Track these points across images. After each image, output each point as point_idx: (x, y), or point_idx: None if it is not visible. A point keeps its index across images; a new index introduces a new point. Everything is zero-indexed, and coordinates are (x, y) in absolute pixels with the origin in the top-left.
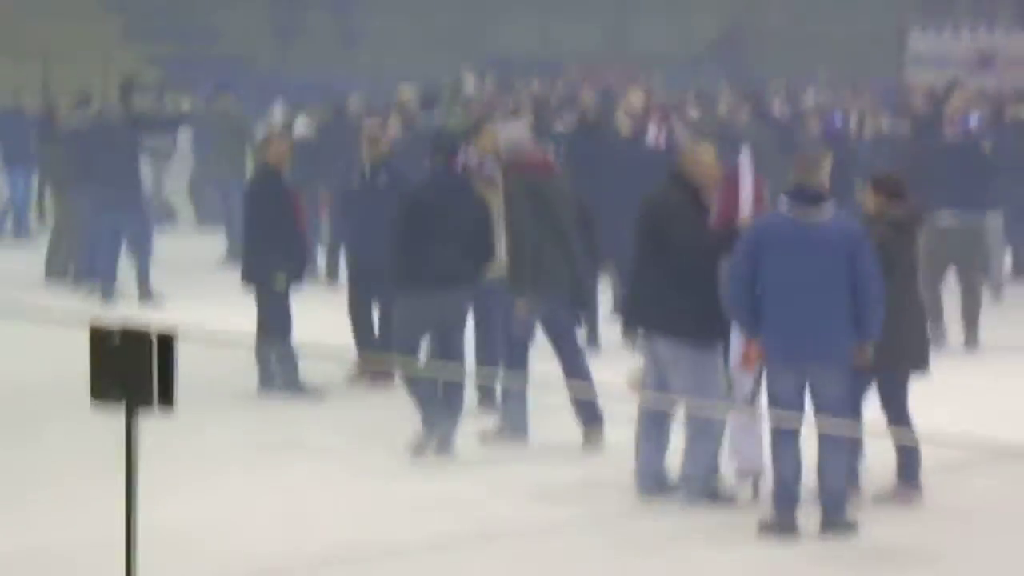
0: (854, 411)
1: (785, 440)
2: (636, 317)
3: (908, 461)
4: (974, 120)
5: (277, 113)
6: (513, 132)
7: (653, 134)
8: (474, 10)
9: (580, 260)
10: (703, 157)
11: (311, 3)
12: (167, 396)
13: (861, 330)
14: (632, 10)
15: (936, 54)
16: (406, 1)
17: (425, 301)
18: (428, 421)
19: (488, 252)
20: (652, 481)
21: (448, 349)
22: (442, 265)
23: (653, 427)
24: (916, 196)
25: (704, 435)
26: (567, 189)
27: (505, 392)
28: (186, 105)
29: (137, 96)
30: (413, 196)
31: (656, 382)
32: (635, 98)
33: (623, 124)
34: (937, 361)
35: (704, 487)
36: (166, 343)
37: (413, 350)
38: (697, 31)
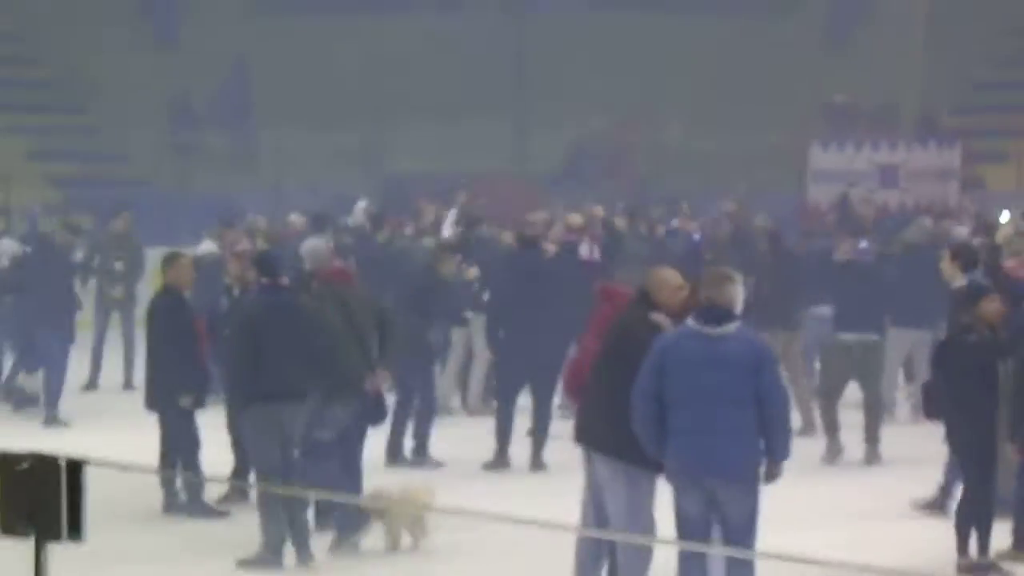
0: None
1: (692, 562)
2: (582, 435)
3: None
4: (864, 243)
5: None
6: (312, 246)
7: (586, 249)
8: (374, 124)
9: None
10: (673, 280)
11: (209, 122)
12: (76, 526)
13: (768, 447)
14: (529, 126)
15: (839, 170)
16: (305, 117)
17: (267, 416)
18: (269, 539)
19: (324, 365)
20: None
21: (288, 462)
22: (277, 380)
23: (590, 555)
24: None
25: (635, 559)
26: (366, 296)
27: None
28: (86, 224)
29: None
30: (243, 315)
31: (594, 504)
32: (573, 218)
33: (550, 243)
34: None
35: None
36: (76, 471)
37: (269, 464)
38: (590, 148)
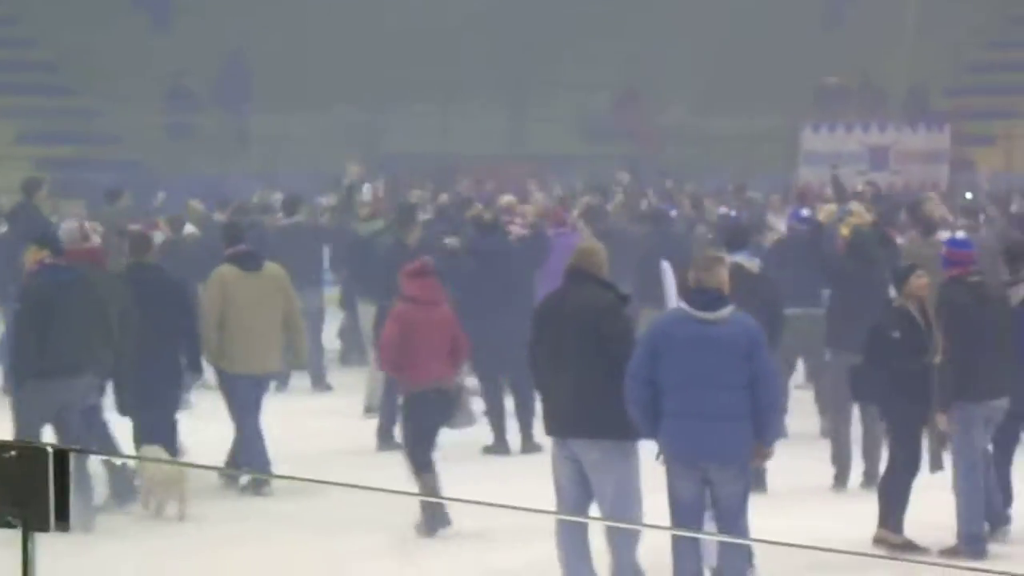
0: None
1: (686, 543)
2: (563, 424)
3: None
4: (805, 212)
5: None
6: (66, 226)
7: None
8: (370, 107)
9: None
10: (597, 248)
11: (204, 103)
12: (64, 515)
13: (759, 430)
14: (529, 109)
15: (829, 152)
16: (300, 99)
17: (43, 390)
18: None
19: (102, 340)
20: None
21: (65, 434)
22: (58, 355)
23: (573, 539)
24: None
25: (628, 536)
26: (115, 280)
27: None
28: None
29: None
30: (27, 291)
31: (576, 484)
32: (506, 200)
33: (514, 231)
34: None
35: None
36: (63, 459)
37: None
38: (592, 125)
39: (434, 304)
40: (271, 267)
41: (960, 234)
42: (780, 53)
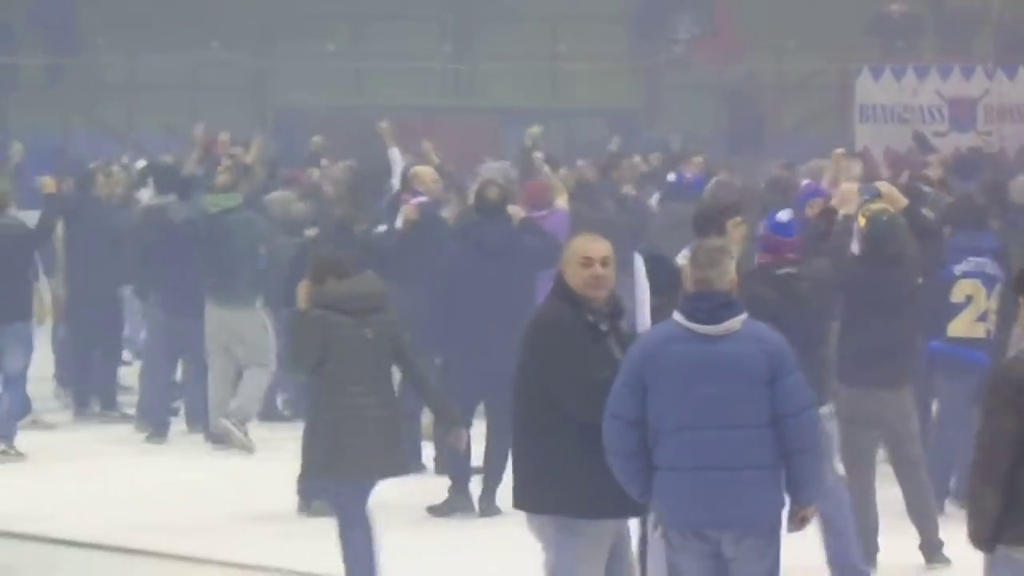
0: None
1: None
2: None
3: None
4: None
5: None
6: None
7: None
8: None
9: None
10: (581, 250)
11: (29, 42)
12: None
13: (793, 484)
14: (474, 46)
15: (895, 104)
16: (164, 34)
17: None
18: None
19: None
20: None
21: None
22: None
23: None
24: None
25: None
26: None
27: None
28: None
29: None
30: None
31: None
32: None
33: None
34: None
35: None
36: None
37: None
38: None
39: None
40: None
41: (784, 214)
42: None
